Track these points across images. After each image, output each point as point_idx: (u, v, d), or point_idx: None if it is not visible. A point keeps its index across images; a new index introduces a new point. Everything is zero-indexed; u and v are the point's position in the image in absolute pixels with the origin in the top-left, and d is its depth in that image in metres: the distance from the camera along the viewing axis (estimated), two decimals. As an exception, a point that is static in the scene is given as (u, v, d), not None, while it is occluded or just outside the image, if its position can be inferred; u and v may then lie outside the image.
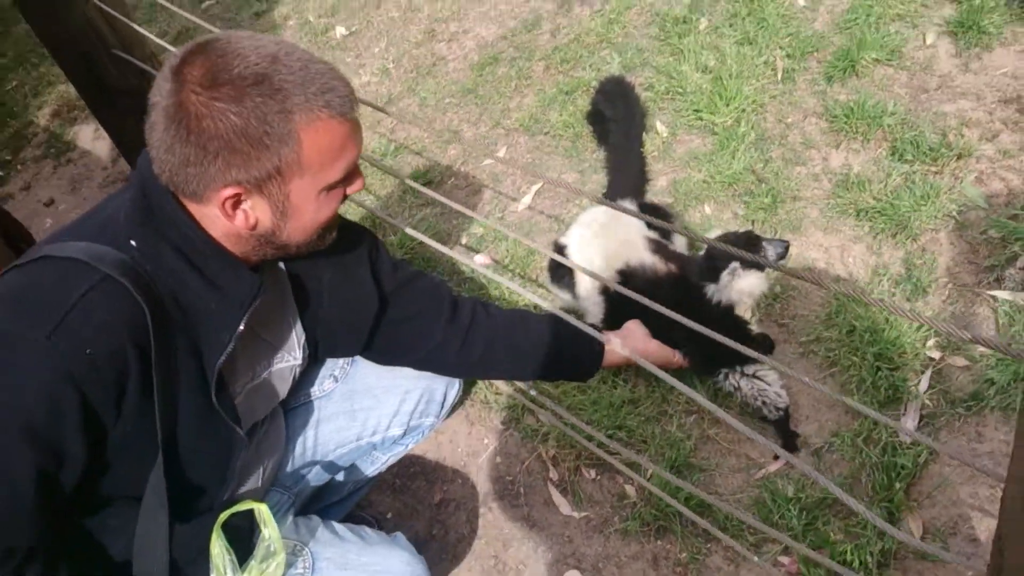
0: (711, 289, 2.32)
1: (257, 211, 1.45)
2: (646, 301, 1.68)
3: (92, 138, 4.69)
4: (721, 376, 2.36)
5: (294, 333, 1.86)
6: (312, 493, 2.21)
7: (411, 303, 1.96)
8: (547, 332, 2.05)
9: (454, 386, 2.25)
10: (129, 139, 3.35)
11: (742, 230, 2.41)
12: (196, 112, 1.31)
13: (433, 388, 2.19)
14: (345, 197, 1.57)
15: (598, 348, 2.10)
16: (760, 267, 2.30)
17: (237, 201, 1.42)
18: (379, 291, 1.90)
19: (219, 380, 1.56)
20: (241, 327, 1.53)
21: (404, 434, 2.22)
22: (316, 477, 2.15)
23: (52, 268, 1.36)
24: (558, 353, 2.08)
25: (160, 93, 1.35)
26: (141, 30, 2.97)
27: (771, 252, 2.29)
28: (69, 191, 4.41)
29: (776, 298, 2.61)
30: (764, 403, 2.31)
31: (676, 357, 2.30)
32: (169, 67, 1.36)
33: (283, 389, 1.90)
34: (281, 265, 1.77)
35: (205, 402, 1.55)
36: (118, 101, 3.12)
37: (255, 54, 1.34)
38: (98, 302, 1.33)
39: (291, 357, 1.86)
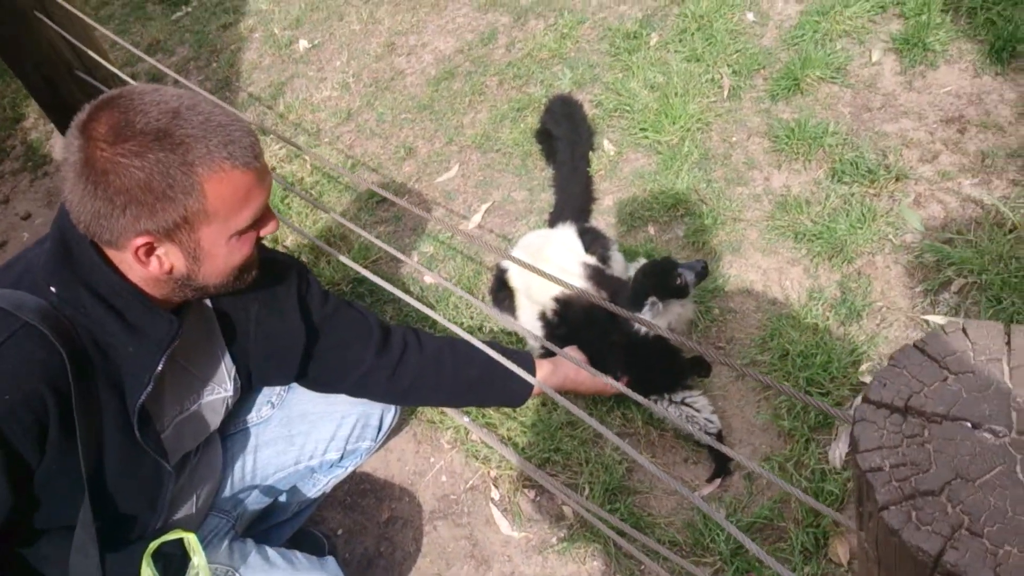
0: (640, 316, 2.34)
1: (171, 257, 1.50)
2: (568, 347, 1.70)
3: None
4: (657, 400, 2.38)
5: (223, 366, 1.89)
6: (256, 515, 2.25)
7: (340, 332, 2.01)
8: (478, 362, 2.09)
9: (390, 411, 2.29)
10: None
11: (660, 257, 2.44)
12: (102, 168, 1.36)
13: (369, 413, 2.24)
14: (259, 239, 1.61)
15: (530, 371, 2.13)
16: (682, 292, 2.33)
17: (150, 249, 1.46)
18: (307, 322, 1.94)
19: (143, 417, 1.61)
20: (159, 368, 1.58)
21: (342, 458, 2.27)
22: (256, 501, 2.19)
23: None
24: (489, 382, 2.13)
25: (70, 149, 1.40)
26: (98, 57, 3.00)
27: (689, 276, 2.33)
28: (45, 204, 4.42)
29: (714, 321, 2.64)
30: (699, 427, 2.34)
31: (609, 384, 2.31)
32: (77, 123, 1.40)
33: (215, 420, 1.95)
34: (208, 302, 1.81)
35: (129, 438, 1.59)
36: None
37: (157, 109, 1.38)
38: (15, 349, 1.38)
39: (222, 389, 1.90)
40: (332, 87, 4.24)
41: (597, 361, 2.33)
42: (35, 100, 3.31)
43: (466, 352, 2.10)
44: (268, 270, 1.79)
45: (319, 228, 3.47)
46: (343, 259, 2.15)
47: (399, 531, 2.55)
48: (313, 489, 2.33)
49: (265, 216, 1.58)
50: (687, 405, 2.35)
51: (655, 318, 2.31)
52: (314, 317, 1.97)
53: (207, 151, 1.39)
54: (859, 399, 0.88)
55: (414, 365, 2.07)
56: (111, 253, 1.50)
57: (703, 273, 2.35)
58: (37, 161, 4.76)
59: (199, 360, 1.84)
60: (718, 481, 2.32)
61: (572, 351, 2.34)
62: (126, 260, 1.50)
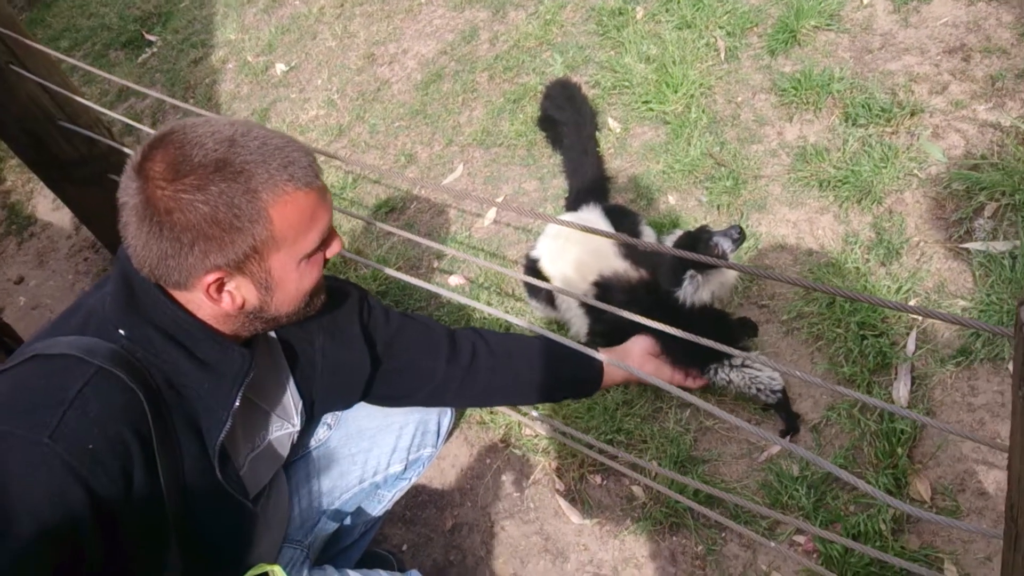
0: (680, 295, 2.32)
1: (242, 290, 1.46)
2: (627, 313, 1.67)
3: (51, 209, 4.64)
4: (711, 372, 2.36)
5: (290, 399, 1.87)
6: (325, 540, 2.22)
7: (408, 350, 1.98)
8: (546, 358, 2.07)
9: (446, 414, 2.26)
10: (88, 206, 3.35)
11: (695, 228, 2.42)
12: (165, 207, 1.32)
13: (426, 419, 2.20)
14: (326, 261, 1.59)
15: (597, 368, 2.12)
16: (720, 257, 2.31)
17: (221, 284, 1.43)
18: (372, 348, 1.91)
19: (222, 456, 1.58)
20: (236, 403, 1.54)
21: (405, 468, 2.23)
22: (325, 526, 2.15)
23: (46, 367, 1.38)
24: (558, 377, 2.10)
25: (127, 192, 1.36)
26: (81, 99, 2.95)
27: (725, 244, 2.30)
28: (37, 265, 4.37)
29: (753, 280, 2.62)
30: (759, 389, 2.31)
31: (679, 376, 2.32)
32: (131, 165, 1.37)
33: (284, 453, 1.92)
34: (272, 333, 1.78)
35: (211, 479, 1.57)
36: (72, 172, 3.12)
37: (212, 140, 1.35)
38: (94, 396, 1.34)
39: (289, 424, 1.88)
40: (318, 106, 4.20)
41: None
42: (20, 157, 3.24)
43: (533, 349, 2.09)
44: (330, 298, 1.77)
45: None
46: (390, 272, 2.13)
47: (466, 537, 2.52)
48: (378, 506, 2.30)
49: (330, 236, 1.55)
50: (748, 367, 2.32)
51: (696, 291, 2.29)
52: (379, 341, 1.94)
53: (268, 175, 1.36)
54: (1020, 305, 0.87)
55: (484, 369, 2.04)
56: (177, 294, 1.47)
57: (740, 239, 2.32)
58: (21, 223, 4.72)
59: (267, 395, 1.81)
60: (789, 438, 2.30)
61: (634, 342, 2.31)
62: (195, 299, 1.47)
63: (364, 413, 2.14)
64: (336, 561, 2.27)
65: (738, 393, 2.38)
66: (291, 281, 1.50)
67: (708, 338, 2.11)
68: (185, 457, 1.51)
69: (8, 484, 1.26)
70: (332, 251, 1.57)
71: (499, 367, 2.04)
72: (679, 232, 2.49)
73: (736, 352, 1.58)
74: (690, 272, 2.27)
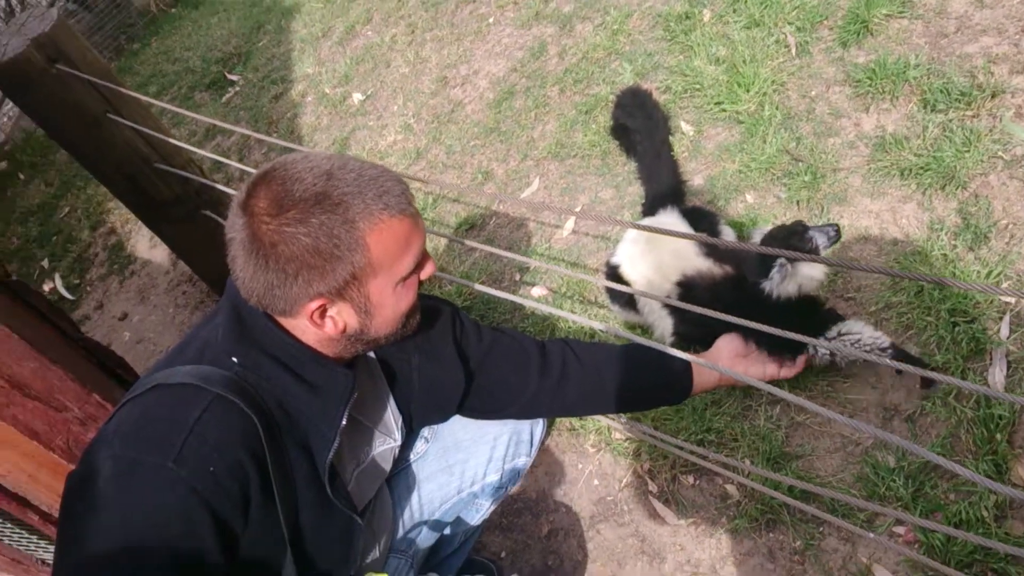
0: (768, 285, 2.30)
1: (344, 316, 1.54)
2: (709, 312, 1.68)
3: (149, 247, 4.85)
4: (812, 353, 2.32)
5: (391, 415, 1.95)
6: (428, 551, 2.27)
7: (500, 365, 2.03)
8: (635, 366, 2.09)
9: (539, 423, 2.29)
10: (184, 242, 3.48)
11: (791, 221, 2.40)
12: (270, 240, 1.41)
13: (519, 429, 2.24)
14: (421, 283, 1.65)
15: (687, 374, 2.12)
16: (814, 252, 2.29)
17: (323, 311, 1.51)
18: (465, 364, 1.97)
19: (331, 473, 1.66)
20: (344, 422, 1.63)
21: (501, 478, 2.27)
22: (427, 536, 2.22)
23: (167, 395, 1.46)
24: (649, 384, 2.12)
25: (234, 228, 1.45)
26: (174, 141, 3.08)
27: (820, 239, 2.27)
28: (139, 302, 4.56)
29: (838, 273, 2.60)
30: (870, 350, 2.24)
31: (771, 369, 2.26)
32: (237, 203, 1.46)
33: (387, 467, 2.00)
34: (371, 354, 1.86)
35: (321, 496, 1.64)
36: (169, 211, 3.25)
37: (311, 175, 1.43)
38: (213, 422, 1.42)
39: (391, 439, 1.96)
40: (395, 131, 4.31)
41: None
42: (120, 200, 3.39)
43: (623, 358, 2.10)
44: (424, 317, 1.83)
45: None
46: (475, 286, 2.18)
47: (563, 542, 2.55)
48: (477, 516, 2.34)
49: (423, 259, 1.61)
50: (846, 335, 2.27)
51: (784, 281, 2.27)
52: (472, 357, 2.00)
53: (365, 205, 1.43)
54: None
55: (576, 380, 2.06)
56: (283, 321, 1.56)
57: (835, 237, 2.29)
58: (122, 262, 4.93)
59: (370, 412, 1.89)
60: (931, 388, 2.28)
61: (725, 341, 2.29)
62: (299, 325, 1.55)
63: (459, 426, 2.20)
64: (439, 569, 2.33)
65: (849, 364, 2.34)
66: (388, 304, 1.57)
67: (799, 322, 2.11)
68: (298, 476, 1.59)
69: (138, 506, 1.34)
70: (426, 273, 1.63)
71: (589, 378, 2.06)
72: (768, 226, 2.48)
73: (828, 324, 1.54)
74: (780, 261, 2.26)
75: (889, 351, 2.24)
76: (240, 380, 1.51)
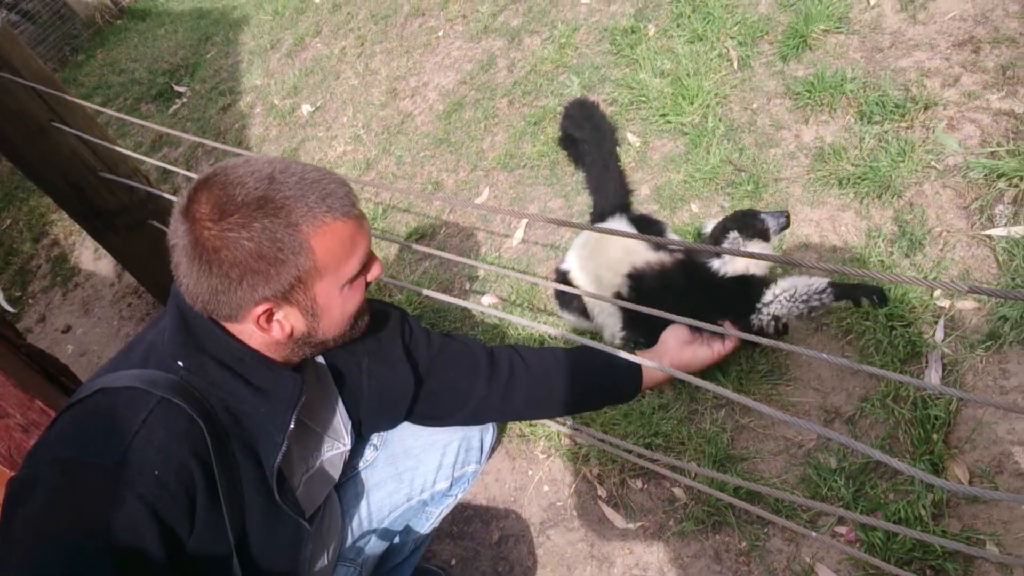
0: (717, 263, 2.35)
1: (290, 319, 1.54)
2: (655, 312, 1.71)
3: (93, 259, 4.78)
4: (755, 321, 2.35)
5: (339, 420, 1.94)
6: (377, 559, 2.27)
7: (448, 370, 2.03)
8: (584, 367, 2.10)
9: (488, 431, 2.30)
10: (130, 253, 3.44)
11: (741, 209, 2.46)
12: (212, 246, 1.40)
13: (470, 436, 2.25)
14: (368, 284, 1.65)
15: (636, 371, 2.14)
16: (763, 236, 2.34)
17: (270, 315, 1.51)
18: (414, 370, 1.97)
19: (279, 477, 1.65)
20: (291, 426, 1.61)
21: (451, 485, 2.27)
22: (376, 544, 2.21)
23: (111, 399, 1.45)
24: (597, 386, 2.14)
25: (176, 235, 1.44)
26: (121, 149, 3.05)
27: (771, 222, 2.35)
28: (83, 314, 4.50)
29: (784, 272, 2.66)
30: (807, 299, 2.27)
31: (717, 347, 2.26)
32: (179, 208, 1.45)
33: (335, 474, 1.99)
34: (320, 358, 1.85)
35: (268, 501, 1.63)
36: (114, 220, 3.21)
37: (253, 179, 1.42)
38: (158, 425, 1.41)
39: (340, 444, 1.95)
40: (345, 142, 4.31)
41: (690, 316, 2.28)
42: (64, 210, 3.35)
43: (570, 361, 2.12)
44: (373, 320, 1.83)
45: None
46: (427, 292, 2.19)
47: (513, 548, 2.57)
48: (427, 523, 2.35)
49: (370, 260, 1.61)
50: (781, 294, 2.30)
51: (732, 262, 2.32)
52: (421, 361, 2.00)
53: (308, 208, 1.42)
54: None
55: (523, 385, 2.07)
56: (229, 325, 1.54)
57: (785, 223, 2.37)
58: (66, 274, 4.86)
59: (318, 416, 1.88)
60: (884, 303, 2.32)
61: (670, 333, 2.29)
62: (246, 330, 1.54)
63: (408, 433, 2.19)
64: (389, 578, 2.33)
65: (798, 319, 2.35)
66: (336, 307, 1.57)
67: (744, 298, 2.13)
68: (244, 481, 1.57)
69: (80, 510, 1.33)
70: (373, 275, 1.63)
71: (537, 382, 2.08)
72: (713, 221, 2.53)
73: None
74: (733, 234, 2.31)
75: (828, 290, 2.26)
76: (186, 384, 1.50)
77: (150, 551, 1.37)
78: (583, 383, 2.11)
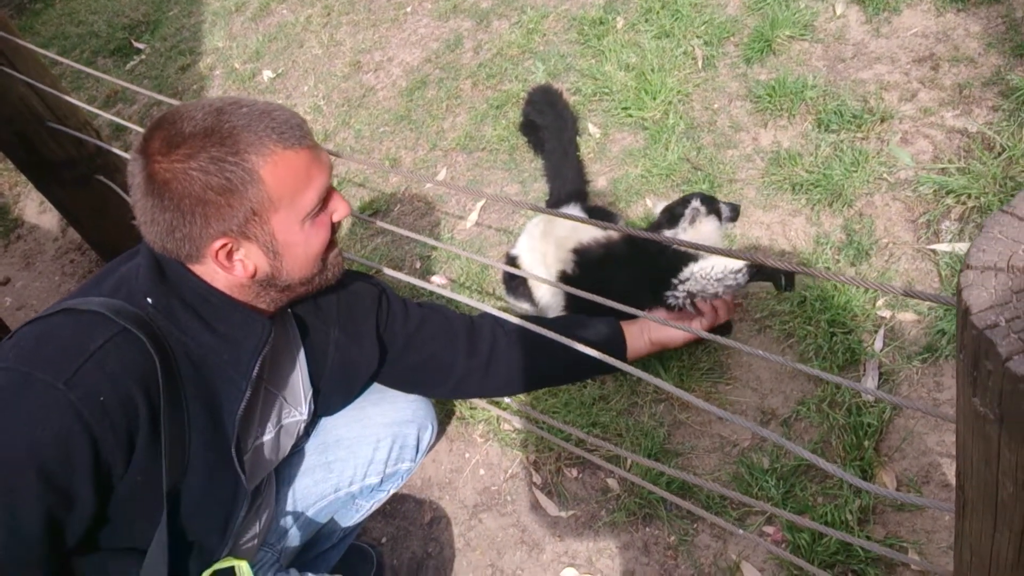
0: (667, 235, 2.33)
1: (252, 257, 1.52)
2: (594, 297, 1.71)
3: (38, 212, 4.67)
4: (671, 298, 2.28)
5: (301, 387, 1.90)
6: (300, 547, 2.20)
7: (427, 344, 2.02)
8: (567, 337, 2.07)
9: (427, 429, 2.23)
10: (76, 208, 3.36)
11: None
12: (163, 179, 1.40)
13: (405, 434, 2.18)
14: (335, 226, 1.63)
15: (619, 343, 2.12)
16: (718, 215, 2.35)
17: (229, 252, 1.49)
18: (391, 348, 1.97)
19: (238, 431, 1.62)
20: (255, 371, 1.58)
21: (382, 481, 2.21)
22: (298, 532, 2.15)
23: (74, 320, 1.44)
24: (581, 357, 2.07)
25: (132, 173, 1.44)
26: (70, 100, 2.98)
27: (725, 209, 2.38)
28: (23, 267, 4.39)
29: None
30: (724, 277, 2.19)
31: (697, 323, 2.24)
32: (135, 148, 1.45)
33: (288, 444, 1.95)
34: (294, 323, 1.83)
35: (216, 456, 1.60)
36: (60, 172, 3.14)
37: (201, 112, 1.43)
38: (114, 352, 1.40)
39: (298, 412, 1.91)
40: (304, 111, 4.26)
41: (631, 295, 2.14)
42: (9, 158, 3.26)
43: (552, 332, 2.07)
44: (349, 292, 1.84)
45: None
46: (380, 268, 2.17)
47: (444, 530, 2.56)
48: (356, 515, 2.27)
49: (333, 198, 1.59)
50: (698, 271, 2.23)
51: (691, 224, 2.32)
52: (399, 336, 1.98)
53: (256, 137, 1.42)
54: (960, 273, 0.92)
55: (506, 357, 2.06)
56: (195, 267, 1.53)
57: (734, 213, 2.40)
58: (8, 225, 4.74)
59: (281, 379, 1.84)
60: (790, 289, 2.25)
61: (654, 313, 2.26)
62: (209, 270, 1.53)
63: (342, 422, 2.14)
64: (317, 563, 2.27)
65: (710, 296, 2.26)
66: (298, 244, 1.54)
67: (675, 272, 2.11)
68: (193, 431, 1.54)
69: (18, 420, 1.31)
70: (339, 213, 1.61)
71: (520, 356, 2.06)
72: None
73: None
74: (695, 202, 2.32)
75: (743, 270, 2.17)
76: (151, 321, 1.48)
77: (78, 476, 1.35)
78: (566, 355, 2.00)
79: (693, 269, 2.23)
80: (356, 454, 2.14)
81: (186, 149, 1.39)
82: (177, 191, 1.40)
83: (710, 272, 2.20)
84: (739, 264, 2.18)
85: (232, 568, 1.62)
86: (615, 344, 2.12)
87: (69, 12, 6.70)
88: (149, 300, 1.50)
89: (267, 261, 1.53)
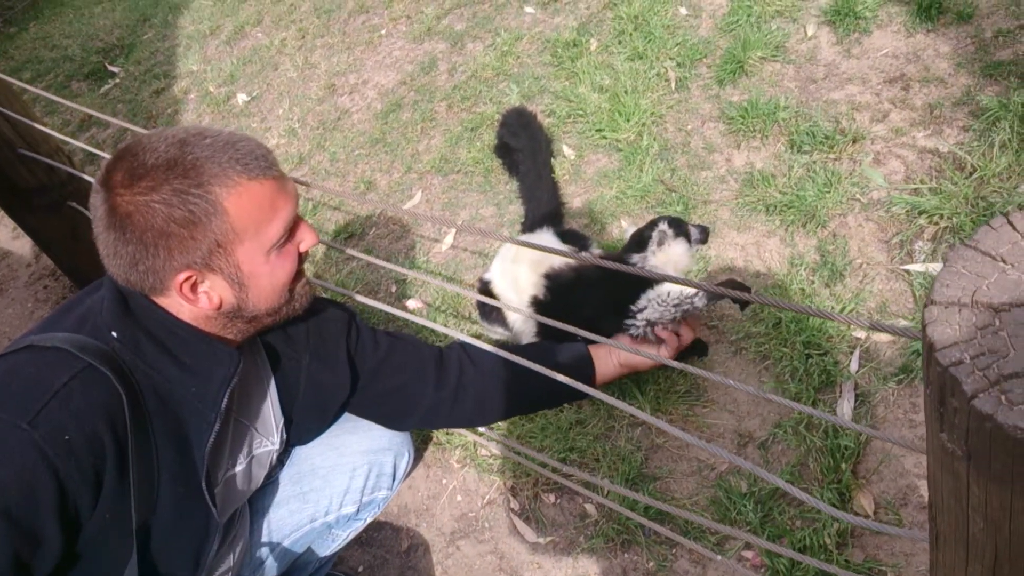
0: (636, 259, 2.33)
1: (216, 289, 1.49)
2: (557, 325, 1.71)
3: (11, 237, 4.62)
4: (631, 328, 2.25)
5: (272, 416, 1.87)
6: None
7: (395, 375, 1.99)
8: (534, 366, 2.05)
9: (403, 457, 2.21)
10: (48, 234, 3.34)
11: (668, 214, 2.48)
12: (125, 212, 1.38)
13: (382, 462, 2.16)
14: (302, 256, 1.60)
15: (587, 367, 2.11)
16: (687, 238, 2.34)
17: (193, 284, 1.47)
18: (360, 374, 1.94)
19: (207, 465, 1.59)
20: (224, 403, 1.55)
21: (359, 510, 2.18)
22: (274, 564, 2.12)
23: (37, 357, 1.41)
24: (551, 384, 2.05)
25: (94, 207, 1.42)
26: (41, 127, 2.95)
27: (694, 231, 2.37)
28: (-6, 296, 4.34)
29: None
30: (680, 302, 2.17)
31: (662, 350, 2.21)
32: (96, 181, 1.43)
33: (260, 475, 1.92)
34: (263, 353, 1.81)
35: (185, 491, 1.57)
36: (32, 199, 3.12)
37: (164, 143, 1.40)
38: (79, 390, 1.37)
39: (269, 442, 1.88)
40: (279, 135, 4.24)
41: (601, 320, 2.23)
42: (-20, 186, 3.24)
43: (520, 360, 2.05)
44: (319, 319, 1.81)
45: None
46: (354, 296, 2.15)
47: (421, 558, 2.53)
48: (332, 545, 2.25)
49: (300, 228, 1.57)
50: (654, 298, 2.20)
51: (659, 247, 2.31)
52: (367, 364, 1.96)
53: (220, 168, 1.40)
54: (924, 308, 0.91)
55: (473, 388, 2.03)
56: (159, 300, 1.50)
57: (703, 236, 2.39)
58: (-20, 254, 4.69)
59: (252, 409, 1.81)
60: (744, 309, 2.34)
61: (619, 339, 2.23)
62: (174, 303, 1.50)
63: (317, 451, 2.11)
64: (292, 592, 2.25)
65: (669, 323, 2.23)
66: (263, 275, 1.52)
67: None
68: (162, 466, 1.52)
69: None
70: (306, 243, 1.59)
71: (488, 385, 2.04)
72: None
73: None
74: (663, 225, 2.31)
75: (700, 294, 2.15)
76: (116, 356, 1.45)
77: (43, 517, 1.32)
78: (535, 382, 1.98)
79: (650, 296, 2.21)
80: (332, 483, 2.11)
81: (148, 181, 1.37)
82: (139, 224, 1.38)
83: (667, 299, 2.19)
84: (691, 291, 2.16)
85: None
86: (583, 369, 2.10)
87: (43, 36, 6.67)
88: (114, 334, 1.47)
89: (232, 293, 1.51)
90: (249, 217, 1.44)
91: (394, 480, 2.22)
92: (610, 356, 2.17)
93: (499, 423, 2.63)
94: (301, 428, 1.99)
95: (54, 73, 5.96)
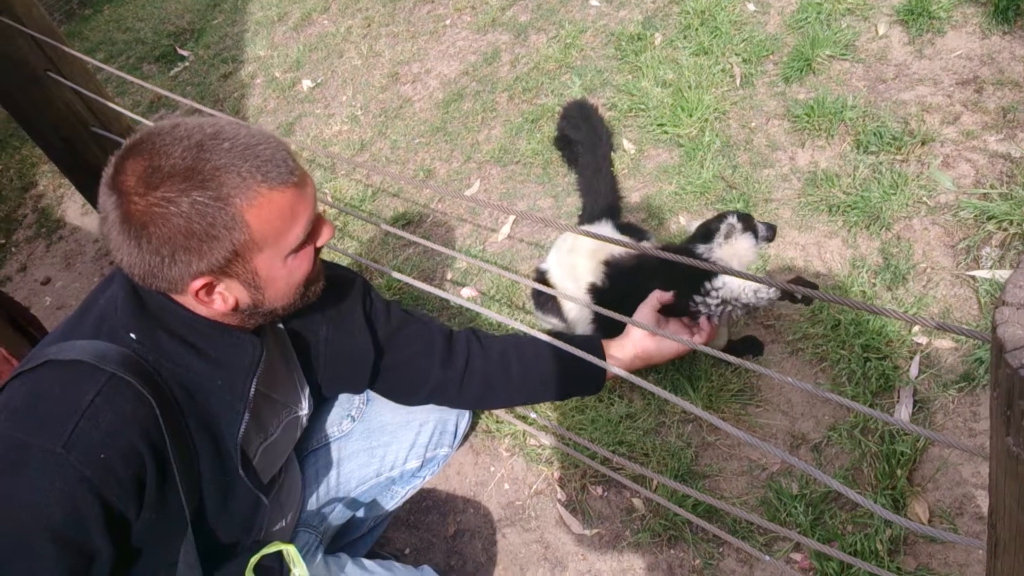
0: (701, 249, 2.31)
1: (233, 291, 1.47)
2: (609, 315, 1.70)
3: (80, 213, 4.74)
4: (703, 308, 2.22)
5: (297, 386, 1.91)
6: (337, 529, 2.27)
7: (405, 348, 2.00)
8: (545, 356, 2.05)
9: (464, 416, 2.32)
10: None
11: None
12: (140, 221, 1.32)
13: (446, 419, 2.26)
14: (318, 251, 1.58)
15: (598, 354, 2.08)
16: (755, 233, 2.32)
17: (209, 288, 1.44)
18: (374, 338, 1.94)
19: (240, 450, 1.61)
20: (252, 392, 1.57)
21: (421, 466, 2.28)
22: (339, 515, 2.21)
23: (59, 373, 1.39)
24: (560, 374, 2.07)
25: (106, 208, 1.36)
26: (114, 106, 3.02)
27: (761, 228, 2.35)
28: (64, 268, 4.45)
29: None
30: (758, 289, 2.16)
31: (686, 336, 2.18)
32: (106, 180, 1.37)
33: (295, 437, 1.96)
34: (282, 328, 1.83)
35: (225, 477, 1.60)
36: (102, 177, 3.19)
37: (180, 147, 1.33)
38: (106, 405, 1.36)
39: (298, 409, 1.92)
40: (341, 121, 4.28)
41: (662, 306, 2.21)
42: (54, 162, 3.32)
43: (531, 348, 2.07)
44: (333, 287, 1.78)
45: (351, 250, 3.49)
46: (395, 275, 2.17)
47: (468, 543, 2.55)
48: (391, 502, 2.35)
49: (318, 226, 1.53)
50: (720, 288, 2.18)
51: (726, 239, 2.29)
52: (379, 334, 1.96)
53: (241, 179, 1.34)
54: (996, 309, 0.89)
55: (481, 371, 2.04)
56: (177, 297, 1.48)
57: (771, 233, 2.36)
58: (51, 226, 4.81)
59: (278, 384, 1.84)
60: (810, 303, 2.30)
61: (640, 315, 2.15)
62: (191, 302, 1.48)
63: (388, 409, 2.19)
64: (345, 552, 2.30)
65: (741, 311, 2.23)
66: (280, 277, 1.50)
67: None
68: (201, 457, 1.54)
69: (23, 491, 1.29)
70: (323, 240, 1.56)
71: (495, 370, 2.04)
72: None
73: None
74: (732, 218, 2.29)
75: (774, 287, 2.13)
76: (138, 358, 1.44)
77: (92, 535, 1.33)
78: (544, 372, 2.05)
79: (725, 279, 2.19)
80: (399, 438, 2.20)
81: (165, 191, 1.31)
82: (156, 235, 1.33)
83: (740, 291, 2.18)
84: (764, 282, 2.12)
85: (280, 552, 1.63)
86: (591, 352, 2.04)
87: (117, 19, 6.82)
88: (132, 335, 1.45)
89: (248, 295, 1.49)
90: (270, 227, 1.41)
91: (455, 437, 2.31)
92: (625, 346, 2.11)
93: (549, 412, 2.63)
94: (337, 388, 2.02)
95: (126, 55, 6.09)
